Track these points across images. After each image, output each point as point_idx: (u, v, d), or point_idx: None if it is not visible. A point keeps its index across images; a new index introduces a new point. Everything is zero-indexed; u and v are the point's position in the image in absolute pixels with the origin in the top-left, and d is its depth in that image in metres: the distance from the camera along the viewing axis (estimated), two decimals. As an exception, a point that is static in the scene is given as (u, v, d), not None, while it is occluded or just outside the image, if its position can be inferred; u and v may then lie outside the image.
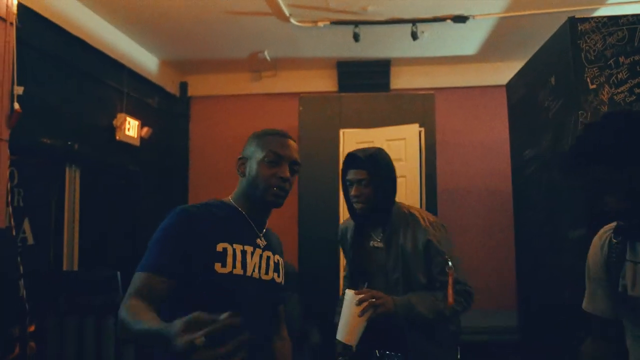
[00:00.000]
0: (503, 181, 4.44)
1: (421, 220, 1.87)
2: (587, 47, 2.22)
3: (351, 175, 1.88)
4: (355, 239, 2.01)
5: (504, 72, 4.56)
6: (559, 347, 2.59)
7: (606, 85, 2.19)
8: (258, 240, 1.48)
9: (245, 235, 1.44)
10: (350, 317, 1.64)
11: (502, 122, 4.51)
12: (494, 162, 4.67)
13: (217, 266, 1.33)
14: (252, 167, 1.46)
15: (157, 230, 1.36)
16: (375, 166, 1.85)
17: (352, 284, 2.04)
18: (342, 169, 1.94)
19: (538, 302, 2.90)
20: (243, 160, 1.50)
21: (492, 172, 4.67)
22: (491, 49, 4.48)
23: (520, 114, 3.11)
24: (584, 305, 1.47)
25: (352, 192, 1.87)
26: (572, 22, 2.25)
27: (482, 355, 4.06)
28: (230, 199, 1.53)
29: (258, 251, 1.45)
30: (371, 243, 1.94)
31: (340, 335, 1.65)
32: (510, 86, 3.25)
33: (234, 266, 1.36)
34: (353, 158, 1.90)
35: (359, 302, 1.63)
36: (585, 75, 2.21)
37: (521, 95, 3.04)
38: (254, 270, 1.41)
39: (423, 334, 1.82)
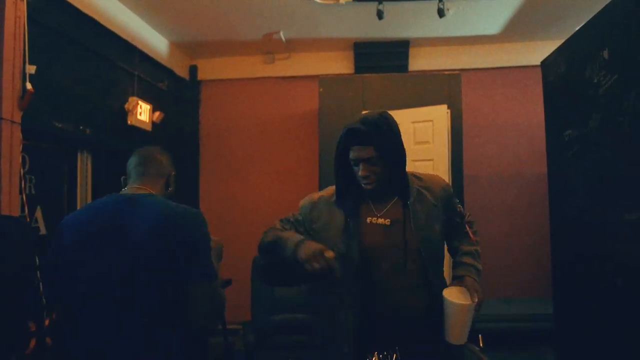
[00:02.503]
0: (534, 164, 4.32)
1: (434, 178, 1.81)
2: (650, 16, 2.05)
3: (355, 152, 1.61)
4: (352, 218, 1.70)
5: (528, 52, 4.44)
6: (602, 338, 2.47)
7: (670, 57, 2.03)
8: None
9: None
10: (463, 322, 1.57)
11: (531, 103, 4.40)
12: (523, 145, 4.54)
13: None
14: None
15: (207, 238, 1.57)
16: (383, 138, 1.58)
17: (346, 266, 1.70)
18: (341, 145, 1.65)
19: (579, 290, 2.77)
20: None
21: (521, 154, 4.54)
22: (516, 29, 4.31)
23: (559, 92, 2.95)
24: None
25: (360, 172, 1.61)
26: (634, -11, 2.07)
27: (507, 343, 3.96)
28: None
29: None
30: (368, 220, 1.68)
31: (455, 340, 1.59)
32: (547, 64, 3.08)
33: None
34: (355, 133, 1.60)
35: (478, 308, 1.59)
36: (648, 46, 2.04)
37: (561, 72, 2.87)
38: None
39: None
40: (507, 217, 4.45)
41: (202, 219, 1.58)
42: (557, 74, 2.94)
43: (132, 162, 1.72)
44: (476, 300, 1.57)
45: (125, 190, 1.65)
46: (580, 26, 2.67)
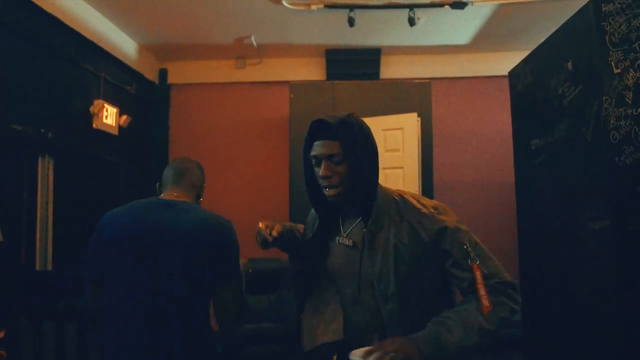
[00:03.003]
0: (502, 172, 4.38)
1: (420, 206, 1.40)
2: (611, 30, 2.10)
3: (318, 149, 1.37)
4: (316, 233, 1.53)
5: (497, 63, 4.52)
6: (569, 345, 2.51)
7: (631, 70, 2.08)
8: None
9: None
10: None
11: (500, 113, 4.48)
12: (492, 154, 4.61)
13: None
14: None
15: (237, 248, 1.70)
16: (351, 135, 1.35)
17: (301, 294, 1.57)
18: (305, 144, 1.44)
19: (546, 298, 2.81)
20: None
21: (490, 163, 4.61)
22: (484, 39, 4.38)
23: (526, 102, 3.00)
24: None
25: (321, 171, 1.36)
26: (596, 3, 2.13)
27: (477, 351, 3.97)
28: None
29: None
30: (337, 239, 1.49)
31: None
32: (515, 74, 3.14)
33: None
34: (319, 126, 1.39)
35: None
36: (610, 58, 2.10)
37: (528, 82, 2.93)
38: None
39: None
40: (477, 224, 4.50)
41: (233, 228, 1.72)
42: (524, 84, 3.00)
43: (169, 172, 1.84)
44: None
45: (162, 197, 1.79)
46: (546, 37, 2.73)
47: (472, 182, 4.66)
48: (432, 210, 1.39)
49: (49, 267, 3.31)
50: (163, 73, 4.93)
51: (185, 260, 1.62)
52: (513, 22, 4.00)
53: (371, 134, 1.43)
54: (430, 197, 3.90)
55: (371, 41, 4.46)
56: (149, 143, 4.73)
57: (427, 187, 3.85)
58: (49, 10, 3.16)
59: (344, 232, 1.47)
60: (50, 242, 3.32)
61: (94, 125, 3.70)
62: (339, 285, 1.47)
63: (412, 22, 3.69)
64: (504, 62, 3.89)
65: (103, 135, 3.83)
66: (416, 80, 4.20)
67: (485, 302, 1.24)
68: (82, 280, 1.76)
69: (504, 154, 4.35)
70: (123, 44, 4.21)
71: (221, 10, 3.76)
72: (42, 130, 3.14)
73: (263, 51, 4.65)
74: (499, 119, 4.53)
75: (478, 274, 1.28)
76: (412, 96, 3.98)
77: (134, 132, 4.34)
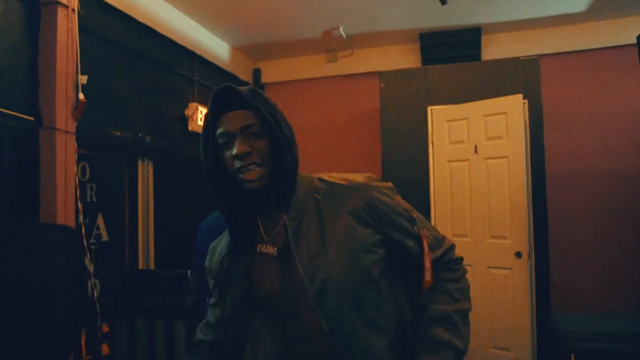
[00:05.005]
0: (629, 159, 3.75)
1: (342, 181, 1.11)
2: None
3: (228, 123, 1.04)
4: (233, 246, 1.15)
5: (621, 30, 3.87)
6: None
7: None
8: None
9: None
10: None
11: (627, 89, 3.84)
12: (618, 137, 3.95)
13: None
14: None
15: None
16: (266, 104, 1.06)
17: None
18: (206, 124, 1.08)
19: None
20: None
21: (615, 148, 3.95)
22: (605, 4, 3.76)
23: (660, 71, 2.48)
24: None
25: (236, 148, 1.02)
26: None
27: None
28: None
29: None
30: (259, 248, 1.13)
31: None
32: (644, 38, 2.62)
33: None
34: (224, 99, 1.06)
35: None
36: None
37: (663, 47, 2.41)
38: None
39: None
40: (599, 220, 3.90)
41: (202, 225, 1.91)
42: (657, 50, 2.48)
43: None
44: None
45: None
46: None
47: (594, 172, 4.01)
48: (357, 180, 1.13)
49: (151, 266, 3.48)
50: (257, 73, 5.00)
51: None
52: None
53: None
54: (542, 188, 3.45)
55: (469, 20, 4.07)
56: (244, 143, 4.82)
57: (538, 178, 3.40)
58: (143, 21, 3.29)
59: (267, 237, 1.11)
60: (151, 241, 3.49)
61: (189, 128, 3.82)
62: (273, 311, 1.09)
63: (513, -8, 3.27)
64: (630, 29, 3.31)
65: (198, 137, 3.94)
66: (521, 58, 3.73)
67: (428, 276, 1.10)
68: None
69: (632, 137, 3.71)
70: (216, 47, 4.31)
71: (307, 3, 3.66)
72: (140, 135, 3.30)
73: (354, 42, 4.49)
74: (625, 97, 3.88)
75: (425, 243, 1.11)
76: (517, 76, 3.54)
77: (229, 132, 4.43)
